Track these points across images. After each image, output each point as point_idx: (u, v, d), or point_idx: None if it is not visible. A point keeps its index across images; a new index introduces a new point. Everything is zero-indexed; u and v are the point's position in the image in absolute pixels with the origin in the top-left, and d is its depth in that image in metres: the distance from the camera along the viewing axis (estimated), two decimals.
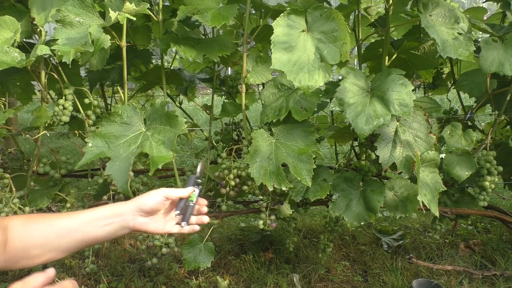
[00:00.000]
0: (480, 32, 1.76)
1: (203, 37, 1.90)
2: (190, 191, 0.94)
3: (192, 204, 0.94)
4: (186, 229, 0.94)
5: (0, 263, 0.76)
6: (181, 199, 0.93)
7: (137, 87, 1.96)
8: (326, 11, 1.23)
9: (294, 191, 1.46)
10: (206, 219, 0.97)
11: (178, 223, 0.94)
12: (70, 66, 1.19)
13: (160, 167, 1.18)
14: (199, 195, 0.96)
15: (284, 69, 1.19)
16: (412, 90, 1.31)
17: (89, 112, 1.45)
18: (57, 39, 1.20)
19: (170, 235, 1.52)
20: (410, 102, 1.28)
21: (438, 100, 1.67)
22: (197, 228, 0.95)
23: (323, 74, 1.22)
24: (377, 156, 1.41)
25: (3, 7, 1.44)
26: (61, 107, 1.41)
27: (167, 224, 0.93)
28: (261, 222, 1.51)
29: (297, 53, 1.21)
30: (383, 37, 1.67)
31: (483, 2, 2.02)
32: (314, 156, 1.28)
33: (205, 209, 0.98)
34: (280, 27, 1.21)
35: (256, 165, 1.27)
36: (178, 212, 0.92)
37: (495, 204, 2.07)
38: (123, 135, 1.27)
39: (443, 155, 1.54)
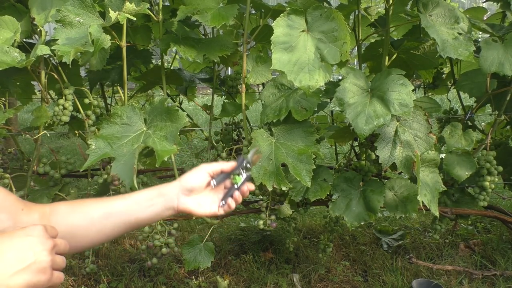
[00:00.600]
0: (480, 32, 1.76)
1: (203, 37, 1.90)
2: (232, 165, 0.91)
3: (236, 187, 0.91)
4: (223, 209, 0.91)
5: None
6: (222, 172, 0.91)
7: (137, 87, 1.96)
8: (326, 11, 1.23)
9: (294, 191, 1.46)
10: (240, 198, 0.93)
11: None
12: (70, 66, 1.19)
13: (165, 159, 1.19)
14: (246, 181, 0.92)
15: (284, 69, 1.19)
16: (412, 90, 1.31)
17: (89, 112, 1.45)
18: (57, 39, 1.20)
19: (170, 235, 1.52)
20: (410, 102, 1.28)
21: (438, 100, 1.67)
22: (233, 206, 0.92)
23: (324, 74, 1.22)
24: (377, 156, 1.41)
25: (3, 7, 1.44)
26: (61, 107, 1.41)
27: (212, 205, 0.91)
28: (261, 222, 1.51)
29: (297, 53, 1.21)
30: (383, 37, 1.67)
31: (483, 2, 2.02)
32: (314, 156, 1.28)
33: (247, 194, 0.95)
34: (280, 27, 1.21)
35: (256, 165, 1.27)
36: (214, 182, 0.89)
37: (495, 204, 2.07)
38: (125, 136, 1.28)
39: (443, 155, 1.54)
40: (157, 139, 1.25)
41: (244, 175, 0.92)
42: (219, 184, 0.91)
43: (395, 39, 1.94)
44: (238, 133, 1.84)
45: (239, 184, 0.91)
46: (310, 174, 1.25)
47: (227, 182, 0.92)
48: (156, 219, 0.89)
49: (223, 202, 0.90)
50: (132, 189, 1.09)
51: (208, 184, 0.90)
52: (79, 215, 0.83)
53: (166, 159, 1.21)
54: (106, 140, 1.25)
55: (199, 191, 0.89)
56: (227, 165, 0.91)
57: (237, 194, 0.92)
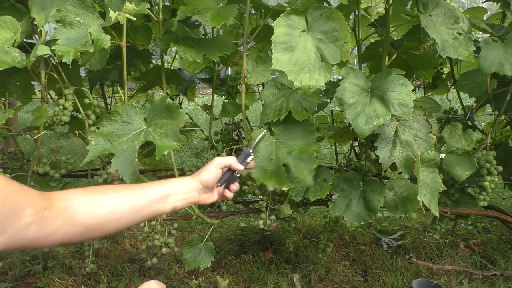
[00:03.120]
0: (480, 32, 1.76)
1: (203, 37, 1.90)
2: (241, 168, 1.04)
3: (238, 175, 1.05)
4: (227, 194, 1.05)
5: (70, 237, 0.78)
6: (229, 170, 1.03)
7: (137, 87, 1.96)
8: (326, 11, 1.22)
9: (294, 191, 1.46)
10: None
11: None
12: (70, 66, 1.19)
13: (165, 153, 1.21)
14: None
15: (284, 69, 1.19)
16: (412, 90, 1.31)
17: (89, 112, 1.45)
18: (57, 39, 1.20)
19: (170, 235, 1.52)
20: (410, 102, 1.28)
21: (438, 100, 1.67)
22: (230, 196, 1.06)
23: (324, 74, 1.21)
24: (377, 156, 1.41)
25: (3, 7, 1.44)
26: (61, 107, 1.41)
27: (215, 193, 1.04)
28: (261, 222, 1.51)
29: (297, 53, 1.21)
30: (383, 37, 1.67)
31: (483, 2, 2.02)
32: (315, 155, 1.28)
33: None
34: (280, 27, 1.21)
35: (257, 165, 1.27)
36: (219, 184, 1.02)
37: (495, 204, 2.07)
38: (125, 133, 1.28)
39: (443, 155, 1.54)
40: (158, 136, 1.25)
41: (249, 159, 1.06)
42: (225, 182, 1.03)
43: (395, 39, 1.94)
44: (238, 133, 1.84)
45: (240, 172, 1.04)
46: (312, 173, 1.25)
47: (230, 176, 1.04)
48: (176, 210, 0.99)
49: (219, 184, 1.02)
50: (135, 182, 1.10)
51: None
52: (106, 207, 0.84)
53: (166, 154, 1.23)
54: (106, 137, 1.25)
55: (213, 187, 1.02)
56: (237, 165, 1.03)
57: (236, 185, 1.05)
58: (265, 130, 1.21)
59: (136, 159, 1.20)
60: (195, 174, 1.01)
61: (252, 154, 1.08)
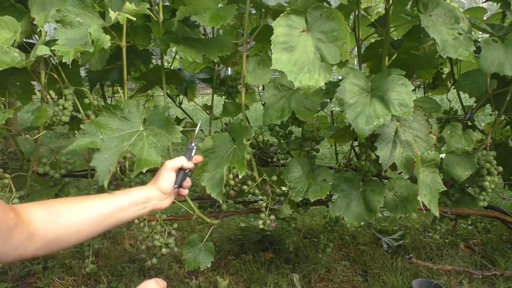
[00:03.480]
0: (480, 32, 1.76)
1: (203, 37, 1.90)
2: (192, 166, 1.08)
3: (188, 171, 1.09)
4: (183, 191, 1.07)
5: (31, 252, 0.78)
6: (181, 170, 1.06)
7: (137, 87, 1.96)
8: (326, 11, 1.22)
9: (294, 192, 1.46)
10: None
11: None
12: (70, 66, 1.19)
13: (144, 171, 1.17)
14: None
15: (284, 69, 1.19)
16: (412, 90, 1.31)
17: (89, 112, 1.45)
18: (57, 39, 1.20)
19: (170, 235, 1.52)
20: (410, 102, 1.28)
21: (438, 100, 1.67)
22: (185, 193, 1.09)
23: (324, 74, 1.21)
24: (377, 156, 1.41)
25: (3, 7, 1.44)
26: (61, 107, 1.41)
27: (172, 194, 1.06)
28: (261, 222, 1.51)
29: (297, 53, 1.21)
30: (383, 37, 1.67)
31: (483, 2, 2.01)
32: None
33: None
34: (280, 27, 1.21)
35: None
36: (176, 185, 1.05)
37: (495, 204, 2.07)
38: (119, 129, 1.24)
39: (443, 155, 1.54)
40: (147, 144, 1.22)
41: (193, 152, 1.10)
42: (180, 183, 1.07)
43: (395, 39, 1.94)
44: None
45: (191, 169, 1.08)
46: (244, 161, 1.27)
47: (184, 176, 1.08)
48: (138, 217, 1.04)
49: (176, 186, 1.05)
50: (102, 186, 1.08)
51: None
52: (68, 221, 0.83)
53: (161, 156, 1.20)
54: (100, 128, 1.22)
55: (171, 192, 1.05)
56: (187, 164, 1.06)
57: (188, 181, 1.08)
58: (200, 122, 1.28)
59: (111, 168, 1.15)
60: (152, 182, 1.02)
61: (195, 147, 1.12)
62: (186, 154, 1.09)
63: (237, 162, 1.26)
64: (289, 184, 1.48)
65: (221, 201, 1.27)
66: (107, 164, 1.16)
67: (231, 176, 1.44)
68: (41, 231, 0.78)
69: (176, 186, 1.05)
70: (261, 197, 1.51)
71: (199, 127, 1.24)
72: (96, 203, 0.89)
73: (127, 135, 1.24)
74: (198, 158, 1.17)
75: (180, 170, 1.06)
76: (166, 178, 1.01)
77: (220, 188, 1.25)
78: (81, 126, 1.21)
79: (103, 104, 1.64)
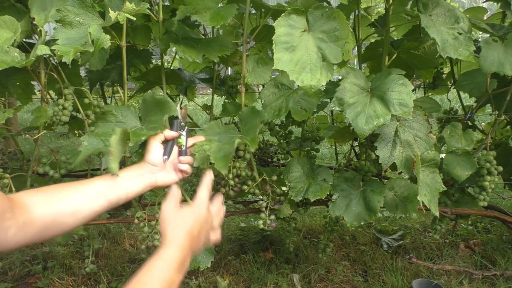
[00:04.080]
0: (480, 32, 1.76)
1: (203, 37, 1.90)
2: (175, 134, 1.03)
3: (184, 148, 1.03)
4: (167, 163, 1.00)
5: (30, 238, 0.78)
6: (167, 141, 1.02)
7: (137, 87, 1.96)
8: (327, 11, 1.22)
9: (294, 191, 1.46)
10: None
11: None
12: (70, 66, 1.19)
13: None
14: (187, 137, 1.06)
15: (286, 69, 1.19)
16: (412, 90, 1.31)
17: (89, 112, 1.45)
18: (57, 39, 1.20)
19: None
20: (410, 102, 1.28)
21: (438, 100, 1.67)
22: (189, 170, 1.03)
23: (326, 73, 1.21)
24: (377, 156, 1.41)
25: (3, 7, 1.44)
26: (60, 107, 1.41)
27: (170, 170, 1.02)
28: (261, 222, 1.51)
29: (298, 52, 1.21)
30: (383, 37, 1.67)
31: (483, 2, 2.02)
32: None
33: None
34: (281, 27, 1.21)
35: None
36: (166, 156, 0.99)
37: (495, 204, 2.07)
38: None
39: (443, 155, 1.54)
40: (146, 130, 1.20)
41: (184, 134, 1.04)
42: (170, 154, 1.01)
43: (395, 39, 1.94)
44: None
45: (185, 144, 1.03)
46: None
47: (174, 146, 1.02)
48: (136, 196, 0.98)
49: (166, 157, 0.99)
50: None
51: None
52: (64, 203, 0.84)
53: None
54: (100, 138, 1.22)
55: (162, 164, 0.99)
56: (168, 133, 1.02)
57: (185, 157, 1.03)
58: (183, 104, 1.19)
59: (119, 153, 1.15)
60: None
61: (182, 122, 1.07)
62: (172, 127, 1.05)
63: (251, 140, 1.20)
64: (289, 184, 1.48)
65: (224, 174, 1.22)
66: (116, 161, 1.16)
67: (230, 176, 1.44)
68: (38, 215, 0.79)
69: (166, 157, 0.99)
70: (261, 197, 1.51)
71: (180, 106, 1.14)
72: (90, 181, 0.90)
73: None
74: (199, 138, 1.15)
75: (168, 141, 1.02)
76: (151, 150, 0.99)
77: (226, 161, 1.15)
78: (81, 139, 1.21)
79: (103, 104, 1.64)
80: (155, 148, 0.99)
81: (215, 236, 0.91)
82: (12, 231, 0.74)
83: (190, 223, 0.82)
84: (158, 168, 0.98)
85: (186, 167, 1.03)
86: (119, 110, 1.28)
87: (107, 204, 0.90)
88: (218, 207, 0.93)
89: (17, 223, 0.75)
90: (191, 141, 1.10)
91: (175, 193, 0.88)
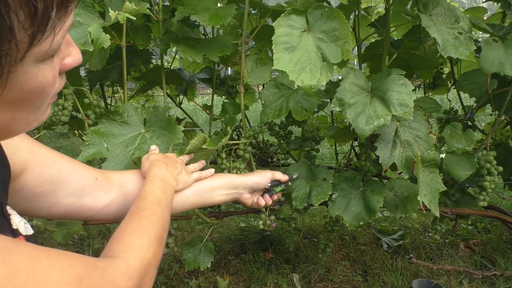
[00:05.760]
0: (480, 32, 1.76)
1: (203, 37, 1.90)
2: (287, 178, 1.12)
3: (274, 192, 1.10)
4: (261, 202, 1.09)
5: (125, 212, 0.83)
6: (275, 180, 1.10)
7: (137, 87, 1.96)
8: (327, 11, 1.22)
9: (297, 201, 1.44)
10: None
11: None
12: None
13: None
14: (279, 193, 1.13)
15: (286, 69, 1.19)
16: (412, 90, 1.30)
17: (89, 112, 1.45)
18: None
19: (169, 235, 1.52)
20: (411, 102, 1.28)
21: (438, 100, 1.67)
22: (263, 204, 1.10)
23: (325, 73, 1.21)
24: (377, 156, 1.41)
25: None
26: (60, 107, 1.41)
27: (253, 197, 1.08)
28: (261, 222, 1.50)
29: (298, 53, 1.21)
30: (383, 37, 1.66)
31: (483, 2, 2.01)
32: None
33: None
34: (281, 27, 1.21)
35: None
36: (267, 187, 1.07)
37: (495, 204, 2.07)
38: (122, 134, 1.25)
39: (443, 155, 1.54)
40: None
41: (282, 186, 1.12)
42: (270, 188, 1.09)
43: (395, 39, 1.94)
44: (238, 133, 1.83)
45: (275, 192, 1.10)
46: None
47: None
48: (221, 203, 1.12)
49: (267, 187, 1.07)
50: None
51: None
52: None
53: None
54: (102, 137, 1.22)
55: (259, 190, 1.07)
56: (284, 176, 1.10)
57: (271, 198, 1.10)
58: (298, 174, 1.31)
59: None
60: (246, 174, 1.06)
61: (296, 177, 1.20)
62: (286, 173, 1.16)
63: (211, 141, 1.28)
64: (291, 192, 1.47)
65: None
66: (116, 170, 1.16)
67: None
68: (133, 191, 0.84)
69: (267, 187, 1.10)
70: None
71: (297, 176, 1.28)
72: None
73: (130, 139, 1.24)
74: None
75: (275, 181, 1.12)
76: (263, 176, 1.07)
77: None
78: (84, 138, 1.22)
79: (103, 104, 1.64)
80: (266, 177, 1.07)
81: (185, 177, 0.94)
82: (102, 201, 0.79)
83: (154, 157, 0.92)
84: (252, 191, 1.05)
85: (263, 203, 1.09)
86: (126, 109, 1.27)
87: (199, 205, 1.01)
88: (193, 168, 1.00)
89: (110, 195, 0.81)
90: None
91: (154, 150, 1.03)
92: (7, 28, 0.35)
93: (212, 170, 1.02)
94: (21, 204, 0.68)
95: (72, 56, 0.47)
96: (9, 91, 0.39)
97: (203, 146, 1.19)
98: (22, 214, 0.56)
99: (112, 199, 0.80)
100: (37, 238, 0.56)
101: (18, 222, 0.53)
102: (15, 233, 0.52)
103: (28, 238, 0.53)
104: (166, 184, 0.82)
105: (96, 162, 1.58)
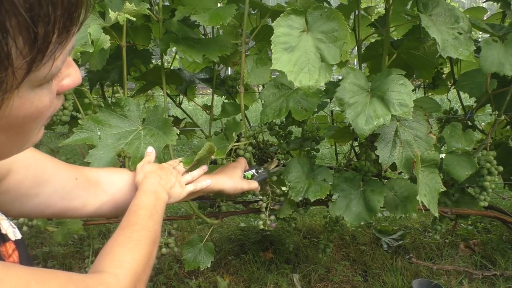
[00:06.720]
0: (480, 32, 1.76)
1: (203, 37, 1.90)
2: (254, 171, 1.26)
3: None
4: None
5: (105, 209, 0.86)
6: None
7: (137, 87, 1.96)
8: (327, 11, 1.22)
9: (293, 191, 1.46)
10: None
11: None
12: None
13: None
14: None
15: (284, 69, 1.19)
16: (412, 90, 1.30)
17: (89, 112, 1.45)
18: None
19: (170, 235, 1.52)
20: (410, 102, 1.28)
21: (438, 100, 1.67)
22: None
23: (324, 74, 1.21)
24: (377, 156, 1.41)
25: None
26: (61, 106, 1.41)
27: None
28: (261, 222, 1.51)
29: (297, 53, 1.21)
30: (383, 37, 1.67)
31: (483, 2, 2.01)
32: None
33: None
34: (280, 27, 1.21)
35: None
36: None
37: (495, 204, 2.07)
38: (118, 127, 1.23)
39: (443, 155, 1.54)
40: (144, 144, 1.20)
41: (253, 171, 1.25)
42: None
43: (395, 39, 1.94)
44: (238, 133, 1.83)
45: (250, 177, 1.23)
46: None
47: None
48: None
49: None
50: None
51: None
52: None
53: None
54: (98, 124, 1.21)
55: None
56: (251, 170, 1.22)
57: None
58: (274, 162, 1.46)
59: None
60: (221, 181, 1.11)
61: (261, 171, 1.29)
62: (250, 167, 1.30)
63: (219, 150, 1.31)
64: (288, 184, 1.48)
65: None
66: (101, 160, 1.16)
67: None
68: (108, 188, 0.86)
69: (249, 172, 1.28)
70: (261, 197, 1.51)
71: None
72: None
73: (124, 133, 1.23)
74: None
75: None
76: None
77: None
78: (80, 121, 1.21)
79: (103, 105, 1.64)
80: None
81: (178, 189, 0.96)
82: (81, 200, 0.80)
83: (148, 168, 0.95)
84: None
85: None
86: (127, 103, 1.25)
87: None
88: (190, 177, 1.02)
89: (88, 194, 0.81)
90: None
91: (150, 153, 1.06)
92: (4, 55, 0.33)
93: (208, 182, 1.02)
94: (6, 205, 0.67)
95: (71, 77, 0.45)
96: (2, 117, 0.37)
97: (212, 157, 1.19)
98: (5, 215, 0.55)
99: (94, 198, 0.81)
100: (25, 241, 0.56)
101: (7, 227, 0.53)
102: (4, 238, 0.51)
103: (17, 243, 0.53)
104: (158, 198, 0.83)
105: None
